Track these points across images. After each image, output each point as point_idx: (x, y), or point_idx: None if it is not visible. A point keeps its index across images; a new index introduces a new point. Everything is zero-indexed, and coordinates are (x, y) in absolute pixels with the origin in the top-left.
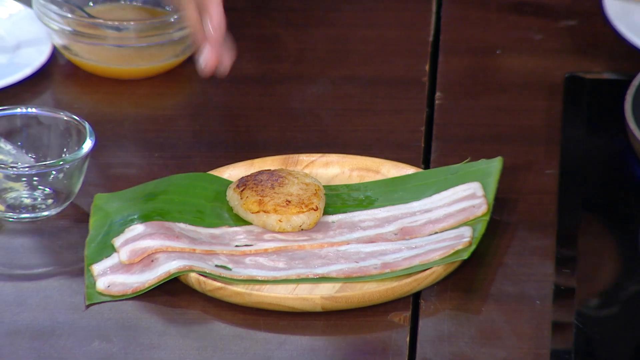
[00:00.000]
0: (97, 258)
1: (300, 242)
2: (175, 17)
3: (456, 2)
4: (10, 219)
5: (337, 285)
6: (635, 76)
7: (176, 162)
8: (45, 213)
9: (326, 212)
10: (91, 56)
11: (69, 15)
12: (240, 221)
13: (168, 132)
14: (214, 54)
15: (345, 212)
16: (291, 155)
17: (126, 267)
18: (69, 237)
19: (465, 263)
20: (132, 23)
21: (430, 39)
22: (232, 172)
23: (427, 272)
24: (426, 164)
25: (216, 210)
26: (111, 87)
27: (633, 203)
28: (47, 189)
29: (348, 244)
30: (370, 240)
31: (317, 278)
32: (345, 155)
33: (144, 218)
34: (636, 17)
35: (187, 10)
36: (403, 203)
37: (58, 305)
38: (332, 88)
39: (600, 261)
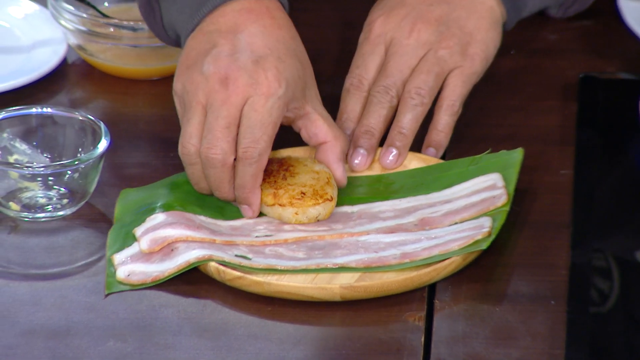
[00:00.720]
0: (119, 248)
1: (320, 233)
2: None
3: None
4: (26, 219)
5: (356, 275)
6: None
7: None
8: (61, 213)
9: (346, 203)
10: (106, 56)
11: (84, 15)
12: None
13: None
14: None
15: (365, 202)
16: (312, 147)
17: (146, 256)
18: (85, 237)
19: (479, 263)
20: None
21: None
22: None
23: (446, 262)
24: None
25: (235, 206)
26: (126, 86)
27: None
28: (62, 189)
29: (368, 234)
30: (390, 231)
31: (336, 268)
32: None
33: (166, 207)
34: None
35: (191, 119)
36: (423, 194)
37: (73, 305)
38: None
39: (615, 262)
